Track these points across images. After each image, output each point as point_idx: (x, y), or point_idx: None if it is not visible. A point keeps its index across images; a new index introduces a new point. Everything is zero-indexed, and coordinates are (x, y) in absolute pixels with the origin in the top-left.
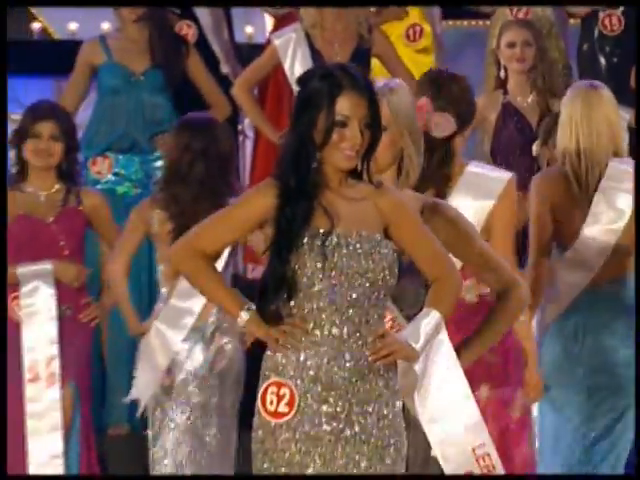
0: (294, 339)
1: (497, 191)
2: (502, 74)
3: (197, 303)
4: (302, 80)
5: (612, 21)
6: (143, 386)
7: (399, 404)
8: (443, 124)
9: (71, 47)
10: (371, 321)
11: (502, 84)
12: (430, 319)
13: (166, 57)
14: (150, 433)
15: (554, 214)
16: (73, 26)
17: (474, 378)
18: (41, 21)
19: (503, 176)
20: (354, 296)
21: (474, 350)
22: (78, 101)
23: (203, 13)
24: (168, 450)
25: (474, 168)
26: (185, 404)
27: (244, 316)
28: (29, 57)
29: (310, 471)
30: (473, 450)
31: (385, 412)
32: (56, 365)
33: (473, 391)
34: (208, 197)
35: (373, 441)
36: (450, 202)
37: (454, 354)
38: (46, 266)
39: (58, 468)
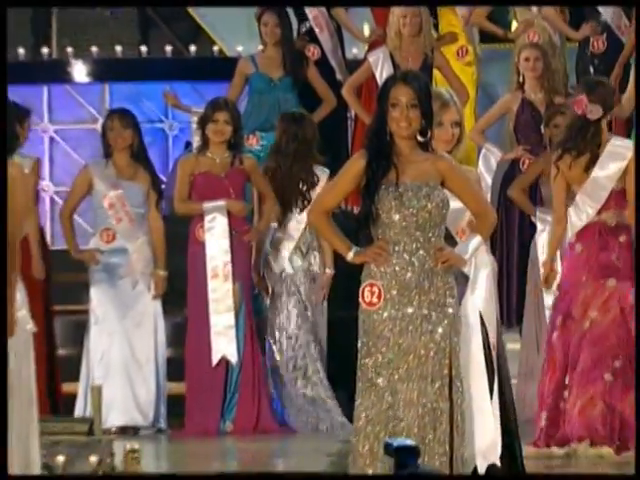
0: (382, 256)
1: (627, 155)
2: (521, 79)
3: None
4: (380, 85)
5: (598, 43)
6: None
7: (454, 295)
8: (595, 111)
9: (235, 62)
10: (432, 239)
11: (521, 86)
12: (475, 240)
13: (293, 68)
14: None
15: None
16: (240, 48)
17: (606, 273)
18: (219, 45)
19: (631, 145)
20: (419, 223)
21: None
22: (237, 98)
23: (325, 39)
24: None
25: (615, 141)
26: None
27: (351, 254)
28: (211, 69)
29: (391, 340)
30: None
31: (442, 300)
32: (229, 268)
33: (605, 281)
34: (300, 164)
35: (434, 319)
36: (601, 165)
37: (489, 262)
38: (221, 203)
39: (232, 336)
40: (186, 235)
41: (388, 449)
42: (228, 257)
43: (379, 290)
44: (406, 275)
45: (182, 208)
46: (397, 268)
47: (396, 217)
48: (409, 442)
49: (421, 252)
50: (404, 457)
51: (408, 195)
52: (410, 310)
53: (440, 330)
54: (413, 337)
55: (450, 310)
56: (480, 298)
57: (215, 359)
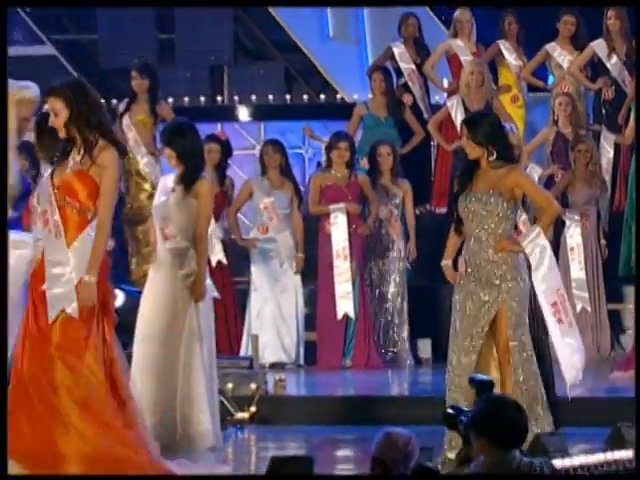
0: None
1: None
2: (556, 117)
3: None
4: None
5: (608, 93)
6: None
7: (511, 273)
8: None
9: (352, 107)
10: (493, 234)
11: (556, 122)
12: (534, 230)
13: (394, 111)
14: None
15: None
16: (355, 96)
17: None
18: (341, 94)
19: None
20: (484, 218)
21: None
22: (354, 133)
23: (416, 89)
24: None
25: None
26: None
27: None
28: (336, 111)
29: (461, 307)
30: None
31: (503, 275)
32: (347, 251)
33: None
34: None
35: (496, 285)
36: None
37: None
38: (342, 205)
39: (350, 299)
40: (317, 229)
41: (472, 382)
42: (347, 243)
43: (464, 267)
44: (477, 256)
45: (314, 209)
46: (467, 257)
47: (465, 219)
48: (487, 377)
49: (488, 240)
50: (483, 388)
51: (472, 202)
52: (473, 285)
53: (491, 299)
54: (474, 303)
55: (503, 286)
56: (544, 272)
57: (339, 315)
